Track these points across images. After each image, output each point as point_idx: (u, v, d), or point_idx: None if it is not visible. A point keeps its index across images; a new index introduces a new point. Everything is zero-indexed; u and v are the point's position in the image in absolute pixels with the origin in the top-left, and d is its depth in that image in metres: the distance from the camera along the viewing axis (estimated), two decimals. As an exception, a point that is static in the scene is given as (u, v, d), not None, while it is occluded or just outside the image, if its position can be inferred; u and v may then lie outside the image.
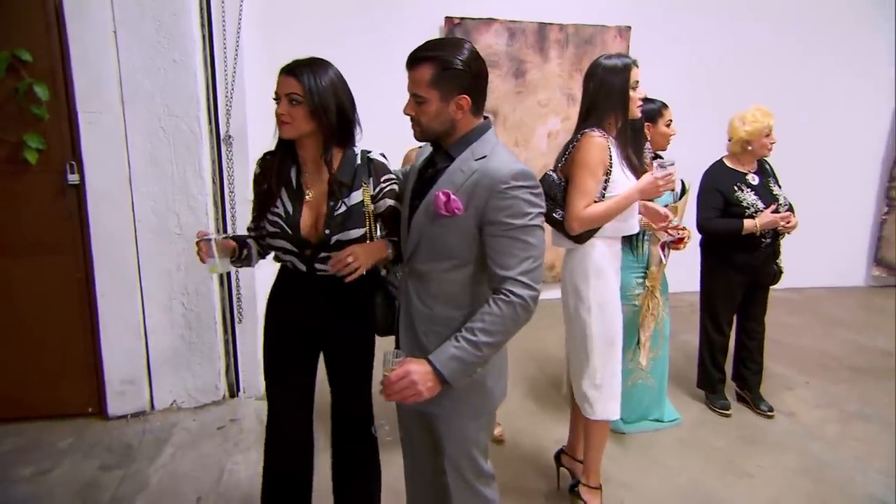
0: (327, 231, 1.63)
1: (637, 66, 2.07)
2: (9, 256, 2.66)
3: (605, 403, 2.15)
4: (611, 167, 2.00)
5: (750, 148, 2.89)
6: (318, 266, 1.68)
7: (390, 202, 1.70)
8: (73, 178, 2.63)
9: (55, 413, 2.79)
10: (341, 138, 1.65)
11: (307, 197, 1.67)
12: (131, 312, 2.79)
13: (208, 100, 2.79)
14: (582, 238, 2.06)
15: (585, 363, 2.13)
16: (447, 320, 1.44)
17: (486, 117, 1.49)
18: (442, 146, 1.48)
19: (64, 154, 2.63)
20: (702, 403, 3.14)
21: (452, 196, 1.38)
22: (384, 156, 1.73)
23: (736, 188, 2.88)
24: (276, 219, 1.67)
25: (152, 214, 2.74)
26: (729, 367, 3.18)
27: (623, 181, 2.04)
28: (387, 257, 1.65)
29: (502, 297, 1.34)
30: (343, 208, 1.63)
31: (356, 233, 1.65)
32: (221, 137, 2.84)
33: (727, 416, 3.03)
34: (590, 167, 1.98)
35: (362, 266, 1.57)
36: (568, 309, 2.16)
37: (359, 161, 1.67)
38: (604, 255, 2.09)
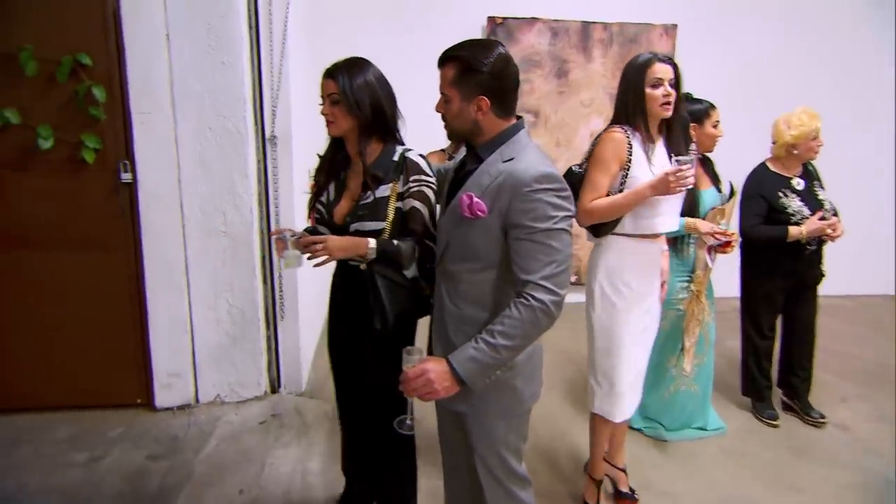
0: (348, 219, 1.72)
1: (663, 63, 2.00)
2: (65, 252, 2.76)
3: (602, 401, 2.19)
4: (629, 163, 1.99)
5: (796, 152, 2.81)
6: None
7: (415, 203, 1.71)
8: (126, 177, 2.71)
9: (106, 403, 2.89)
10: (379, 133, 1.74)
11: (349, 188, 1.79)
12: (178, 308, 2.85)
13: (254, 101, 2.83)
14: (598, 232, 2.08)
15: (590, 355, 2.20)
16: (474, 321, 1.45)
17: (519, 117, 1.49)
18: (473, 147, 1.50)
19: (118, 153, 2.71)
20: (748, 412, 3.07)
21: (476, 198, 1.40)
22: (423, 157, 1.76)
23: (781, 194, 2.80)
24: (320, 206, 1.82)
25: (200, 213, 2.79)
26: (775, 374, 3.09)
27: (645, 178, 2.00)
28: (365, 255, 1.67)
29: (523, 300, 1.34)
30: (370, 199, 1.69)
31: (372, 225, 1.70)
32: (266, 138, 2.88)
33: (775, 426, 2.94)
34: (601, 162, 2.00)
35: (330, 255, 1.65)
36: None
37: (396, 157, 1.72)
38: (620, 253, 2.08)
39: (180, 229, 2.79)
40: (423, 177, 1.72)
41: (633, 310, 2.10)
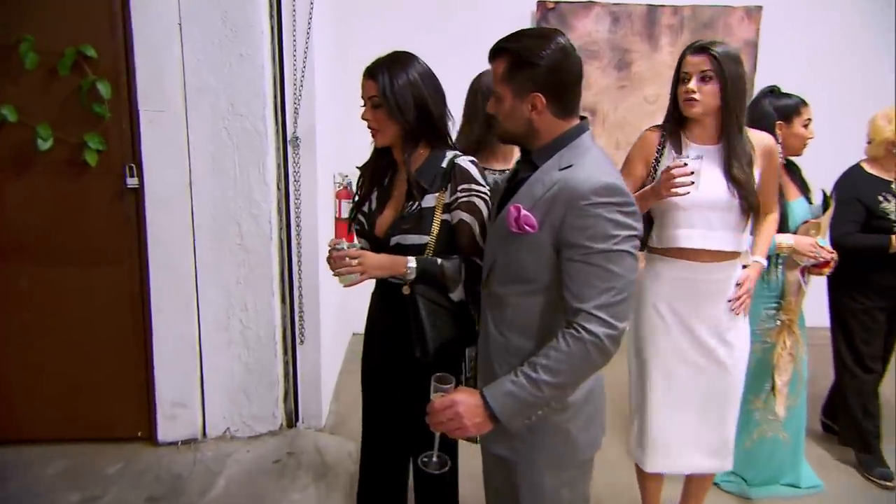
0: (389, 231, 1.71)
1: (695, 54, 1.95)
2: (62, 264, 2.74)
3: (634, 442, 2.20)
4: (656, 164, 2.00)
5: None
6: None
7: (463, 215, 1.67)
8: (132, 182, 2.68)
9: (104, 436, 2.85)
10: (426, 137, 1.71)
11: (393, 197, 1.78)
12: (186, 329, 2.81)
13: (275, 98, 2.79)
14: None
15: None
16: (521, 351, 1.38)
17: (583, 118, 1.43)
18: (528, 153, 1.45)
19: (124, 155, 2.68)
20: (850, 467, 2.85)
21: (524, 211, 1.34)
22: (476, 164, 1.71)
23: (881, 198, 2.71)
24: (361, 217, 1.81)
25: (212, 222, 2.75)
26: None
27: None
28: (404, 274, 1.65)
29: (573, 332, 1.27)
30: (415, 210, 1.67)
31: (415, 238, 1.68)
32: (288, 139, 2.85)
33: (889, 487, 2.71)
34: (627, 162, 2.09)
35: (365, 273, 1.63)
36: None
37: (444, 164, 1.69)
38: (647, 270, 2.08)
39: (191, 240, 2.76)
40: (474, 185, 1.67)
41: (662, 341, 2.05)
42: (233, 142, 2.72)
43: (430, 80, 1.70)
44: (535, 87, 1.35)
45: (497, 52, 1.40)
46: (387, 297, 1.81)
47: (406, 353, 1.69)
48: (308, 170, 2.92)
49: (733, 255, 2.04)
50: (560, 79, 1.36)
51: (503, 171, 2.12)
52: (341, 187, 3.56)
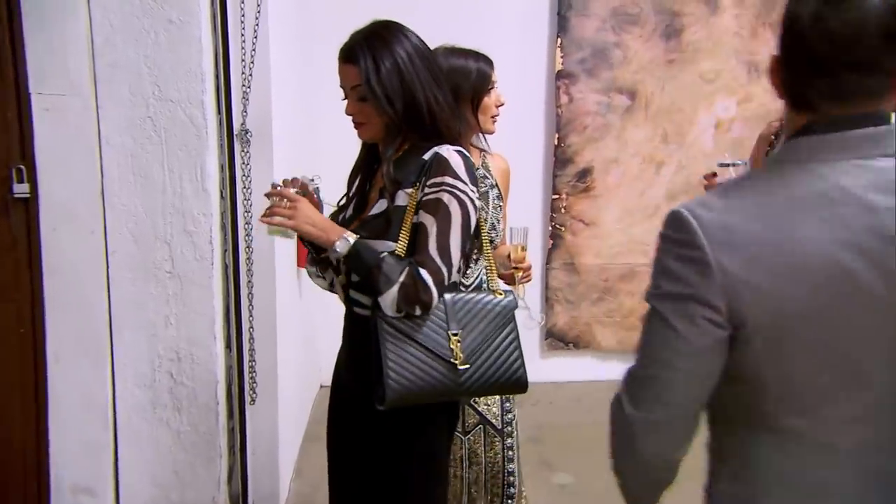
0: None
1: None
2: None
3: None
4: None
5: None
6: (353, 296, 1.75)
7: (422, 217, 1.65)
8: (20, 190, 2.52)
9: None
10: (416, 131, 1.72)
11: (369, 200, 1.82)
12: (96, 385, 2.66)
13: (217, 78, 2.68)
14: None
15: None
16: None
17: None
18: None
19: (9, 155, 2.49)
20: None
21: None
22: (463, 154, 1.69)
23: None
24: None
25: (132, 243, 2.62)
26: None
27: None
28: (330, 247, 1.64)
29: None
30: (382, 211, 1.71)
31: (380, 245, 1.66)
32: (235, 132, 2.74)
33: None
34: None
35: (293, 223, 1.65)
36: None
37: (427, 156, 1.69)
38: None
39: (102, 267, 2.63)
40: (448, 179, 1.64)
41: None
42: (160, 136, 2.60)
43: (423, 59, 1.70)
44: None
45: None
46: (353, 330, 1.82)
47: (368, 405, 1.66)
48: (261, 173, 2.83)
49: None
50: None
51: None
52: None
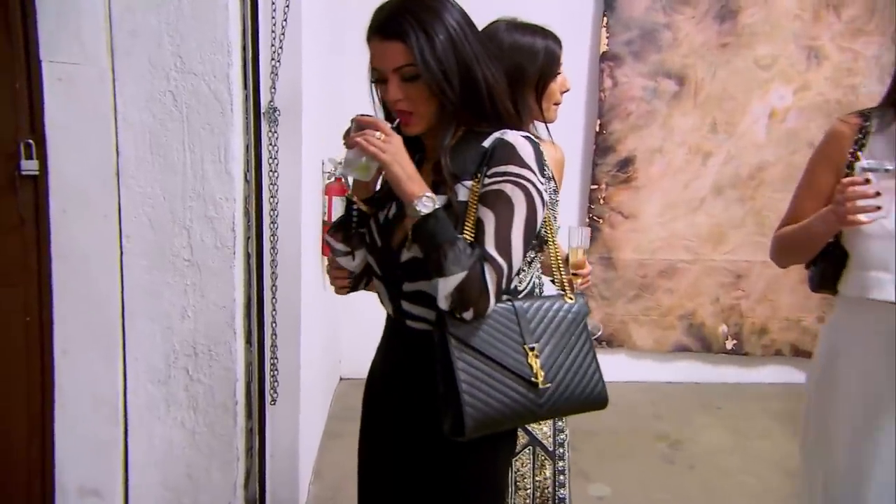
0: (403, 242, 1.56)
1: None
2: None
3: None
4: (850, 170, 1.85)
5: None
6: (405, 307, 1.59)
7: (481, 211, 1.49)
8: (29, 166, 2.46)
9: (-21, 537, 2.53)
10: (476, 115, 1.57)
11: None
12: (106, 381, 2.61)
13: (245, 51, 2.61)
14: (815, 284, 2.02)
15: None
16: None
17: None
18: None
19: (17, 129, 2.42)
20: None
21: None
22: (531, 140, 1.54)
23: None
24: (374, 225, 1.67)
25: (149, 228, 2.57)
26: None
27: None
28: (414, 202, 1.45)
29: None
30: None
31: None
32: (262, 110, 2.69)
33: None
34: (806, 170, 2.00)
35: (386, 154, 1.46)
36: None
37: (488, 142, 1.54)
38: (840, 330, 1.98)
39: (116, 254, 2.58)
40: (513, 167, 1.49)
41: (851, 419, 1.92)
42: (181, 112, 2.53)
43: (472, 28, 1.55)
44: None
45: None
46: (401, 341, 1.70)
47: (430, 427, 1.53)
48: (290, 155, 2.78)
49: None
50: None
51: None
52: (333, 179, 3.31)
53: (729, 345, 4.52)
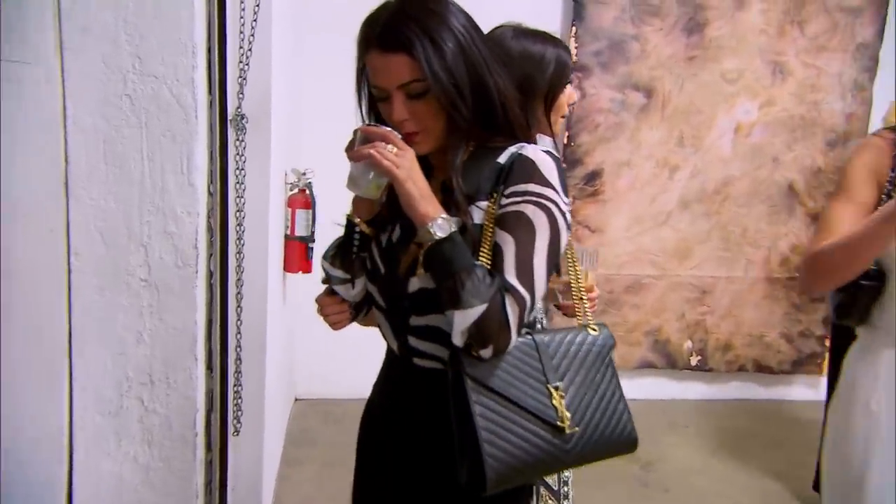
0: (409, 270, 1.46)
1: None
2: None
3: None
4: (891, 186, 1.83)
5: None
6: (413, 343, 1.48)
7: (499, 237, 1.37)
8: None
9: None
10: (483, 126, 1.46)
11: None
12: (50, 411, 2.45)
13: (210, 52, 2.50)
14: (840, 314, 1.93)
15: None
16: None
17: None
18: None
19: None
20: None
21: None
22: (553, 156, 1.44)
23: None
24: (375, 248, 1.55)
25: (101, 245, 2.42)
26: None
27: None
28: (427, 224, 1.33)
29: None
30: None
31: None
32: (229, 117, 2.57)
33: None
34: (842, 185, 1.91)
35: (400, 169, 1.33)
36: None
37: (504, 159, 1.44)
38: (864, 357, 1.92)
39: (64, 272, 2.42)
40: (533, 186, 1.38)
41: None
42: (139, 118, 2.38)
43: (479, 33, 1.44)
44: None
45: None
46: (407, 380, 1.57)
47: (441, 478, 1.44)
48: (258, 165, 2.67)
49: None
50: None
51: None
52: (296, 190, 3.18)
53: (693, 361, 4.53)
